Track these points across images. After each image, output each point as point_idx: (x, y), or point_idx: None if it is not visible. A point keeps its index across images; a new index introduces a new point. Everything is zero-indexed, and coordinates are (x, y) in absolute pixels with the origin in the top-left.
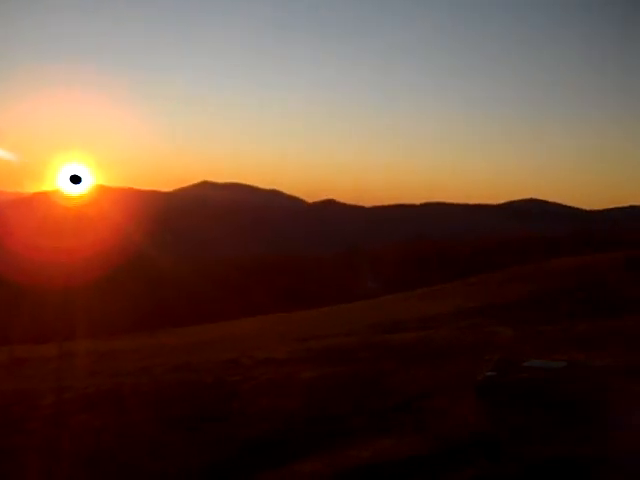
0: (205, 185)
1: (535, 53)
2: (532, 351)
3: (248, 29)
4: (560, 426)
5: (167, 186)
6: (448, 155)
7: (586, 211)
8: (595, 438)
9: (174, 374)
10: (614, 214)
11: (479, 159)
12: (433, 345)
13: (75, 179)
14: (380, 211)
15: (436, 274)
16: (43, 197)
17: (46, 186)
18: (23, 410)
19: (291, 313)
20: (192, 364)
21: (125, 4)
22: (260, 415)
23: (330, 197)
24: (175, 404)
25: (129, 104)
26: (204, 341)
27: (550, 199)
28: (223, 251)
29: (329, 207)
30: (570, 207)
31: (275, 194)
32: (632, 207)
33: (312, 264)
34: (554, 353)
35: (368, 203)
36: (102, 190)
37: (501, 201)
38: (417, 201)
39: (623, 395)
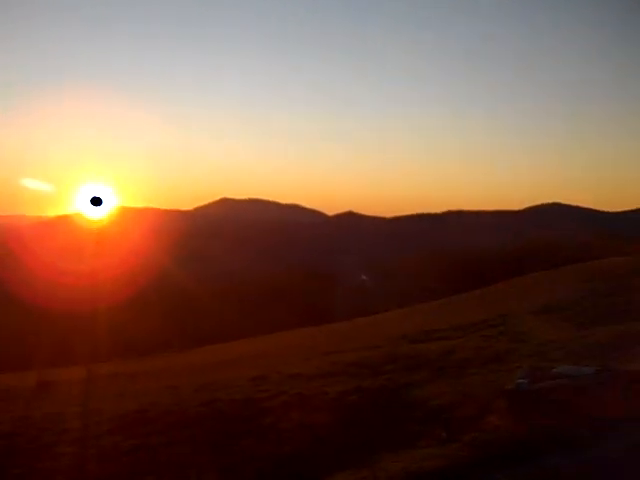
0: (225, 202)
1: (556, 54)
2: (562, 357)
3: (264, 41)
4: (588, 431)
5: (187, 204)
6: (467, 162)
7: (609, 213)
8: (626, 442)
9: (202, 393)
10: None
11: (497, 165)
12: (459, 355)
13: (96, 201)
14: (401, 221)
15: (461, 283)
16: (65, 220)
17: (68, 209)
18: (53, 434)
19: (315, 328)
20: (220, 382)
21: (142, 22)
22: (291, 430)
23: (350, 209)
24: (205, 423)
25: (146, 123)
26: (230, 359)
27: (572, 202)
28: (245, 268)
29: (350, 219)
30: (592, 209)
31: (295, 208)
32: None
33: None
34: (584, 359)
35: (389, 214)
36: (123, 211)
37: (523, 206)
38: (438, 210)
39: None
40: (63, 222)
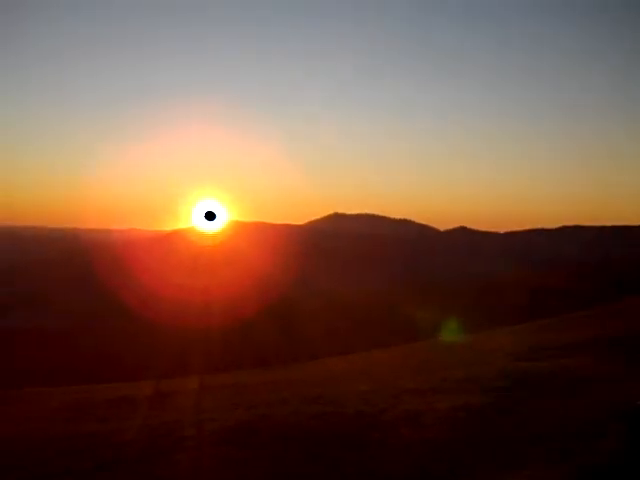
0: (336, 217)
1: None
2: None
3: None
4: None
5: (299, 219)
6: (585, 176)
7: None
8: None
9: (312, 406)
10: None
11: (615, 178)
12: (570, 374)
13: (210, 216)
14: (515, 236)
15: (575, 300)
16: (179, 234)
17: (182, 224)
18: (169, 441)
19: (424, 343)
20: (330, 396)
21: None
22: (401, 446)
23: (462, 224)
24: (314, 436)
25: (259, 138)
26: (341, 373)
27: None
28: (356, 282)
29: (462, 234)
30: None
31: (406, 223)
32: None
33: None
34: None
35: (502, 229)
36: (236, 225)
37: None
38: (553, 225)
39: None
40: (177, 236)
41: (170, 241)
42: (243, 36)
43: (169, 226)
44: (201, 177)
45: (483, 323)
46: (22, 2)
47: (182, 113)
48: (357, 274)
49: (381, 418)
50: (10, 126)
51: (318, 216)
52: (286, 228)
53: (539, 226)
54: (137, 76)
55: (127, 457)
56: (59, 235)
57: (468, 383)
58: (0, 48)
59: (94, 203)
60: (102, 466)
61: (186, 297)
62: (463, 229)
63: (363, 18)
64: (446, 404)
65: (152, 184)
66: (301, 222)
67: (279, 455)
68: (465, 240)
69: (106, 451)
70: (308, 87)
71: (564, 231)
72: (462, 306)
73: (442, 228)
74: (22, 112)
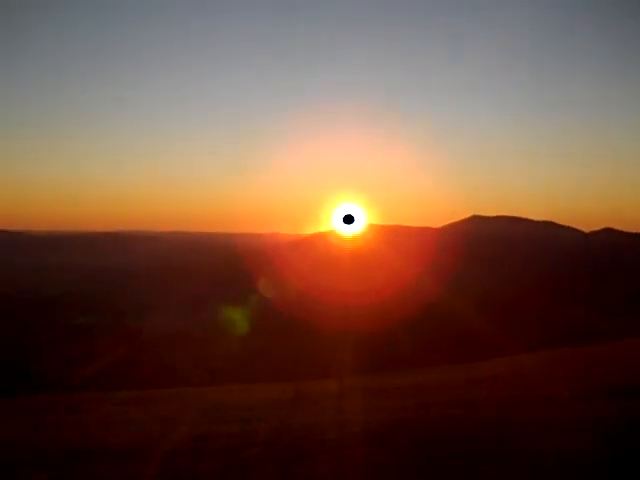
0: (475, 219)
1: None
2: None
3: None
4: None
5: (437, 222)
6: None
7: None
8: None
9: (450, 411)
10: None
11: None
12: None
13: (348, 219)
14: None
15: None
16: (320, 238)
17: (322, 227)
18: (310, 443)
19: (571, 349)
20: (469, 401)
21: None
22: (540, 455)
23: (608, 225)
24: (448, 442)
25: (398, 141)
26: (483, 378)
27: None
28: (499, 284)
29: (608, 236)
30: None
31: (548, 225)
32: None
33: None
34: None
35: None
36: (374, 229)
37: None
38: None
39: None
40: (318, 240)
41: (311, 244)
42: (388, 39)
43: (310, 230)
44: (341, 181)
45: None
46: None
47: (324, 120)
48: (498, 276)
49: (520, 426)
50: (171, 141)
51: (456, 218)
52: (424, 231)
53: None
54: (291, 86)
55: (269, 457)
56: (204, 240)
57: (615, 390)
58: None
59: (242, 208)
60: (247, 466)
61: (331, 299)
62: (608, 230)
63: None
64: (591, 412)
65: (293, 189)
66: (439, 225)
67: (421, 461)
68: (611, 242)
69: (249, 451)
70: (446, 89)
71: None
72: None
73: (587, 230)
74: (185, 124)
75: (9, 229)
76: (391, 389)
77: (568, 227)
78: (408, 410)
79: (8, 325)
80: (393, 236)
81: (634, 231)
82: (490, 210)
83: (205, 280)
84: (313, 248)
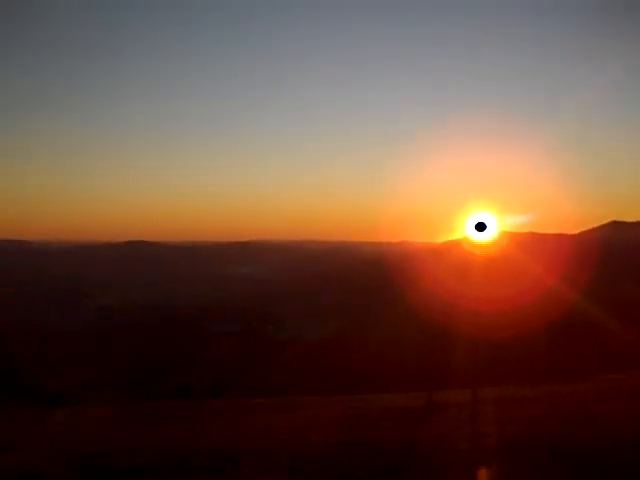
0: (614, 225)
1: None
2: None
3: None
4: None
5: (573, 228)
6: None
7: None
8: None
9: (592, 426)
10: None
11: None
12: None
13: (480, 227)
14: None
15: None
16: (451, 246)
17: (453, 235)
18: (444, 453)
19: None
20: (613, 413)
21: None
22: None
23: None
24: (593, 461)
25: (530, 148)
26: (624, 389)
27: None
28: (637, 293)
29: None
30: None
31: None
32: None
33: None
34: None
35: None
36: (507, 236)
37: None
38: None
39: None
40: (449, 247)
41: (443, 252)
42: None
43: (440, 238)
44: (473, 189)
45: None
46: None
47: (455, 128)
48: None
49: None
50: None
51: (594, 224)
52: (559, 237)
53: None
54: (425, 95)
55: (402, 467)
56: (334, 248)
57: None
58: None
59: (371, 217)
60: (377, 473)
61: (466, 307)
62: None
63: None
64: None
65: (422, 197)
66: (575, 231)
67: (558, 476)
68: None
69: (381, 460)
70: (580, 92)
71: None
72: None
73: None
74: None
75: (148, 239)
76: (526, 400)
77: None
78: (544, 423)
79: (145, 334)
80: (527, 243)
81: None
82: (631, 215)
83: (340, 288)
84: (445, 256)
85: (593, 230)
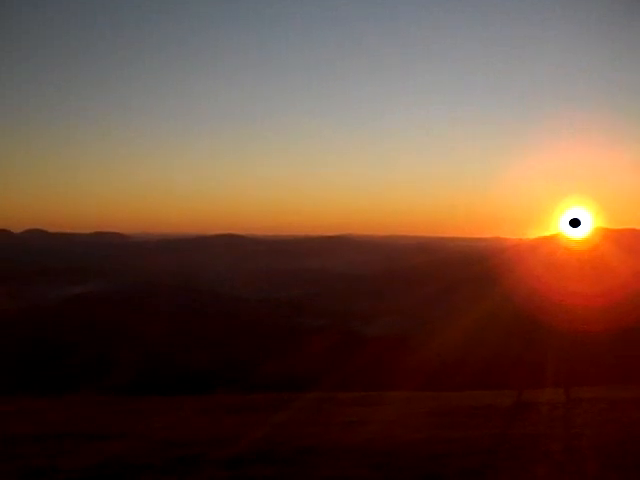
0: None
1: None
2: None
3: None
4: None
5: None
6: None
7: None
8: None
9: None
10: None
11: None
12: None
13: (575, 223)
14: None
15: None
16: (544, 242)
17: (546, 231)
18: (532, 454)
19: None
20: None
21: None
22: None
23: None
24: None
25: (624, 143)
26: None
27: None
28: None
29: None
30: None
31: None
32: None
33: None
34: None
35: None
36: (603, 232)
37: None
38: None
39: None
40: (543, 243)
41: (537, 248)
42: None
43: (532, 234)
44: (566, 185)
45: None
46: None
47: (547, 125)
48: None
49: None
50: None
51: None
52: None
53: None
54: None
55: (489, 465)
56: (424, 244)
57: None
58: None
59: (460, 212)
60: (467, 472)
61: (561, 303)
62: None
63: None
64: None
65: (514, 193)
66: None
67: None
68: None
69: (469, 458)
70: None
71: None
72: None
73: None
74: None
75: (238, 233)
76: (623, 401)
77: None
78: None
79: (236, 325)
80: (624, 240)
81: None
82: None
83: (429, 284)
84: (539, 252)
85: None
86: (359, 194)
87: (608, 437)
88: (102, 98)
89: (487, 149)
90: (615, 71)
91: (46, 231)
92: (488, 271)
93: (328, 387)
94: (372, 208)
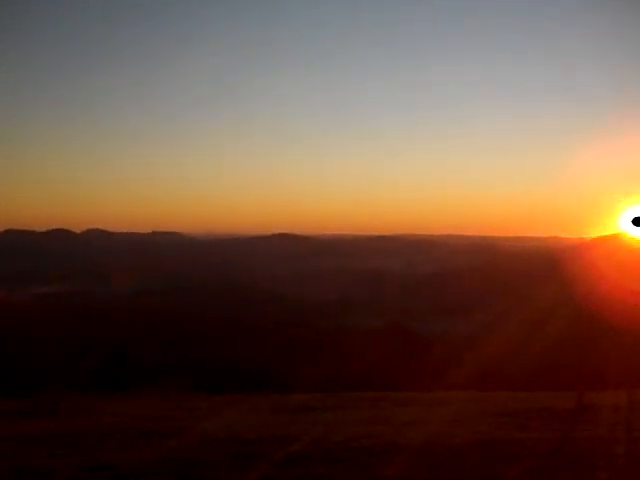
0: None
1: None
2: None
3: None
4: None
5: None
6: None
7: None
8: None
9: None
10: None
11: None
12: None
13: (638, 221)
14: None
15: None
16: (605, 241)
17: (608, 230)
18: (595, 457)
19: None
20: None
21: None
22: None
23: None
24: None
25: None
26: None
27: None
28: None
29: None
30: None
31: None
32: None
33: None
34: None
35: None
36: None
37: None
38: None
39: None
40: (604, 243)
41: (598, 247)
42: None
43: (592, 233)
44: (629, 182)
45: None
46: None
47: (610, 121)
48: None
49: None
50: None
51: None
52: None
53: None
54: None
55: (550, 468)
56: (477, 244)
57: None
58: None
59: (517, 211)
60: (520, 474)
61: (623, 302)
62: None
63: None
64: None
65: (573, 192)
66: None
67: None
68: None
69: (530, 460)
70: None
71: None
72: None
73: None
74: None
75: (293, 232)
76: None
77: None
78: None
79: (290, 324)
80: None
81: None
82: None
83: (486, 284)
84: (599, 251)
85: None
86: (414, 194)
87: None
88: (181, 100)
89: (544, 146)
90: None
91: (107, 231)
92: (549, 271)
93: (386, 387)
94: (429, 207)
